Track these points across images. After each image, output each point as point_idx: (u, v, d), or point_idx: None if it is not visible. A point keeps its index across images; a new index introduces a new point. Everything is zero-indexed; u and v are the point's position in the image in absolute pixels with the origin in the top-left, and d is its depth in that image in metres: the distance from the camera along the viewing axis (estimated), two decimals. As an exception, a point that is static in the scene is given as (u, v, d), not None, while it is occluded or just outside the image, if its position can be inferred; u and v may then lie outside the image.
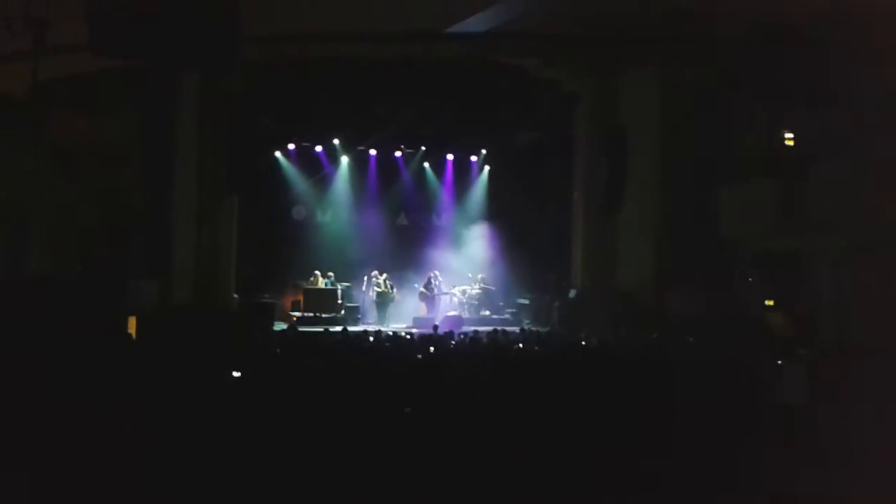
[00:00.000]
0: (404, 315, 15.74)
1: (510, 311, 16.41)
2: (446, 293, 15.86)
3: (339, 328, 11.16)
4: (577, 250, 14.68)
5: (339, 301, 15.58)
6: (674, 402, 5.66)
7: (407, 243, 17.09)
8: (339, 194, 17.37)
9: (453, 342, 9.44)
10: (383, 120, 15.13)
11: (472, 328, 12.47)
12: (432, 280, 15.78)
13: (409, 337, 10.19)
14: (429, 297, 15.77)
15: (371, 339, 9.62)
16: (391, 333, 10.43)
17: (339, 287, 15.86)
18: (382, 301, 15.71)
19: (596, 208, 14.14)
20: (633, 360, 7.65)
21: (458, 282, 16.36)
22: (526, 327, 13.28)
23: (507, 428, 5.17)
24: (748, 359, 7.17)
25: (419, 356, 7.83)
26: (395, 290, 15.79)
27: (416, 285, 16.10)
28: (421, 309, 15.74)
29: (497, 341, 9.48)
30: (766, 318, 11.49)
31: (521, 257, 16.11)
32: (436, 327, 11.65)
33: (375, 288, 15.71)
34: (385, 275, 15.80)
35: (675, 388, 5.98)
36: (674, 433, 5.05)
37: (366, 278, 15.92)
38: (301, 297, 15.51)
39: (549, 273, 15.89)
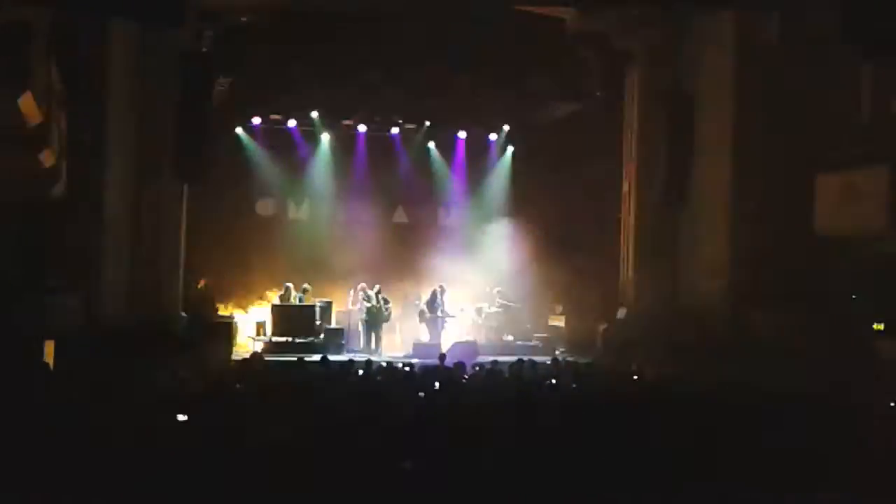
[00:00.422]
0: (402, 340, 16.25)
1: (540, 335, 16.73)
2: (453, 315, 16.22)
3: (316, 357, 11.31)
4: (627, 256, 14.95)
5: (318, 322, 15.83)
6: (761, 457, 5.55)
7: (405, 247, 17.44)
8: (317, 183, 17.73)
9: (465, 377, 9.62)
10: (375, 87, 15.48)
11: (490, 358, 12.56)
12: (438, 295, 16.01)
13: (407, 369, 10.32)
14: (433, 317, 16.02)
15: (359, 371, 9.77)
16: (384, 365, 10.62)
17: (318, 304, 16.07)
18: (373, 322, 15.92)
19: (653, 201, 14.37)
20: (705, 401, 7.59)
21: (471, 298, 16.82)
22: (561, 357, 13.38)
23: (535, 495, 5.10)
24: (854, 400, 7.30)
25: (420, 395, 7.90)
26: (389, 307, 16.05)
27: (416, 302, 16.37)
28: (423, 333, 16.09)
29: (522, 376, 9.54)
30: (877, 347, 11.49)
31: (555, 266, 16.36)
32: (442, 357, 11.74)
33: (364, 304, 15.95)
34: (377, 288, 16.06)
35: (762, 440, 5.89)
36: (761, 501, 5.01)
37: (352, 292, 16.29)
38: (269, 316, 15.87)
39: (590, 286, 16.26)
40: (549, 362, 11.88)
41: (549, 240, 16.88)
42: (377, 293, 15.93)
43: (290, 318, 15.61)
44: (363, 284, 15.99)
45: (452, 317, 16.13)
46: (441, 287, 16.03)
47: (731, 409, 6.84)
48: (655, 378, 9.83)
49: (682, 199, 13.99)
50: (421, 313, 16.06)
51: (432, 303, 15.94)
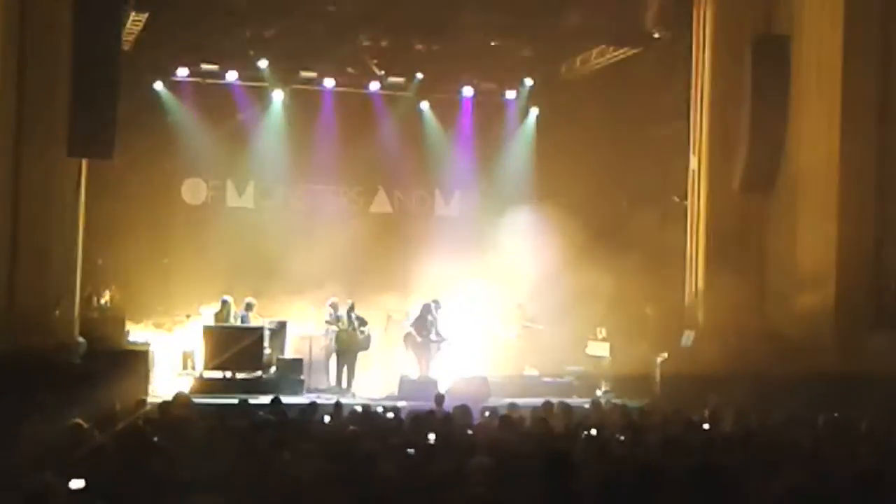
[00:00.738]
0: (383, 375, 16.16)
1: (575, 369, 16.79)
2: (447, 340, 16.31)
3: (266, 399, 11.61)
4: (696, 261, 15.19)
5: (267, 350, 16.06)
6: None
7: (389, 247, 17.66)
8: (267, 158, 18.02)
9: (471, 427, 9.73)
10: (349, 24, 15.78)
11: (507, 400, 12.70)
12: (431, 312, 16.16)
13: (391, 416, 10.52)
14: (425, 341, 16.13)
15: (324, 418, 10.09)
16: (359, 409, 10.89)
17: (267, 325, 16.37)
18: (345, 350, 16.06)
19: (732, 186, 14.63)
20: (811, 461, 7.76)
21: (479, 317, 17.04)
22: (604, 399, 13.61)
23: None
24: None
25: (409, 452, 8.07)
26: (366, 330, 16.18)
27: (404, 322, 16.50)
28: (412, 364, 16.13)
29: (551, 426, 9.67)
30: None
31: (597, 273, 16.42)
32: (440, 398, 12.00)
33: (332, 328, 16.15)
34: (350, 304, 16.20)
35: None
36: None
37: (316, 309, 16.62)
38: (201, 342, 15.96)
39: (645, 302, 16.45)
40: (587, 406, 12.06)
41: (587, 236, 17.12)
42: (350, 311, 16.05)
43: (229, 345, 15.69)
44: (333, 300, 16.10)
45: (447, 341, 16.24)
46: (435, 302, 16.21)
47: (851, 473, 6.94)
48: (736, 428, 10.06)
49: (770, 184, 14.26)
50: (407, 337, 16.20)
51: (423, 323, 16.05)
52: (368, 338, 16.24)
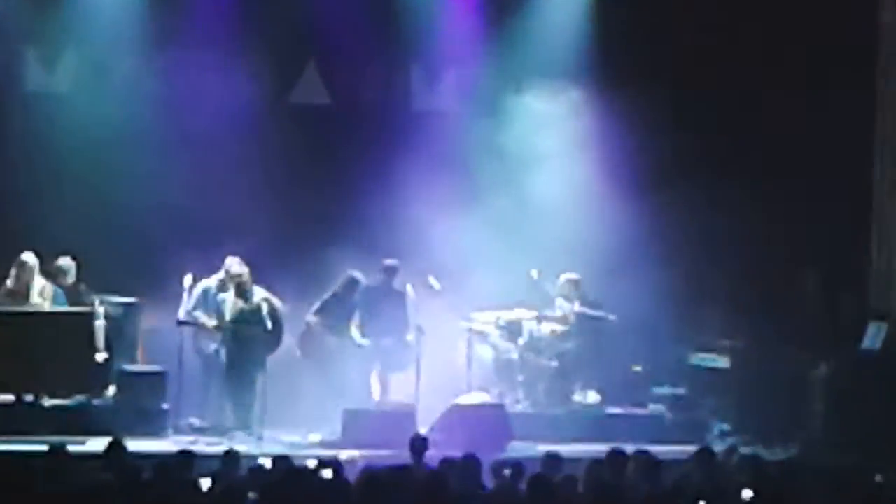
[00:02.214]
0: (317, 400, 16.29)
1: (664, 392, 17.22)
2: (420, 334, 16.45)
3: (99, 443, 11.86)
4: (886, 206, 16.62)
5: (102, 355, 15.91)
6: None
7: (325, 166, 17.96)
8: (98, 10, 17.47)
9: (478, 499, 10.30)
10: None
11: (539, 447, 13.56)
12: (389, 286, 16.77)
13: (326, 477, 10.71)
14: (376, 343, 16.60)
15: (200, 483, 10.19)
16: (267, 465, 11.20)
17: (100, 305, 16.15)
18: (240, 356, 16.08)
19: None
20: None
21: (486, 294, 17.22)
22: (720, 445, 14.09)
23: None
24: None
25: None
26: (278, 316, 16.23)
27: (351, 316, 16.83)
28: (365, 383, 16.66)
29: (624, 491, 10.11)
30: None
31: (707, 215, 17.01)
32: (419, 443, 12.18)
33: (204, 317, 16.30)
34: (244, 272, 16.20)
35: None
36: None
37: (189, 283, 16.29)
38: None
39: (794, 269, 17.16)
40: (689, 458, 12.15)
41: (689, 148, 17.47)
42: (241, 286, 15.93)
43: (26, 345, 15.52)
44: (232, 263, 16.04)
45: (420, 336, 16.24)
46: (388, 269, 16.62)
47: None
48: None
49: None
50: (315, 331, 16.37)
51: (370, 306, 16.43)
52: (280, 332, 16.08)
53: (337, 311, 16.41)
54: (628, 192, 17.65)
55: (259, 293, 16.19)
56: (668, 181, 17.78)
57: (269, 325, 15.98)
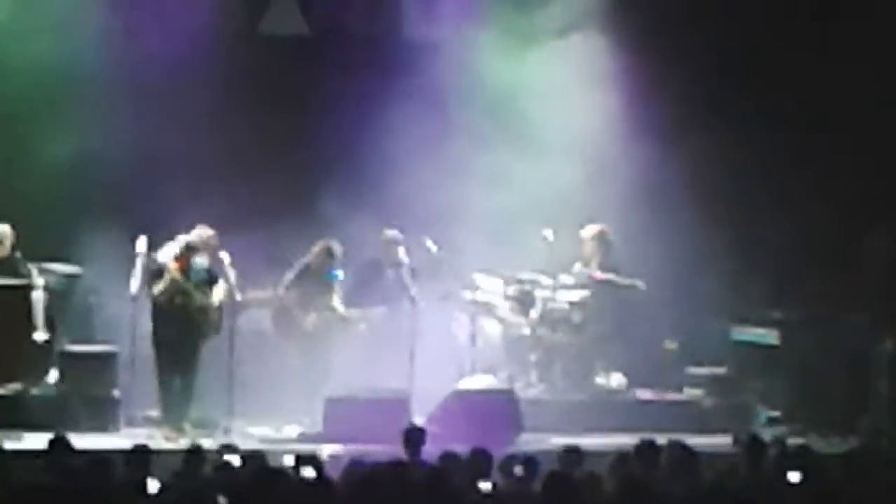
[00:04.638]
0: (293, 386, 15.97)
1: (702, 373, 16.92)
2: (413, 301, 16.30)
3: (37, 439, 12.15)
4: None
5: (41, 335, 15.59)
6: None
7: (298, 108, 17.72)
8: None
9: (489, 489, 10.25)
10: None
11: (555, 438, 13.52)
12: (399, 254, 16.38)
13: (308, 476, 10.45)
14: (392, 320, 16.31)
15: (154, 488, 10.03)
16: (235, 462, 10.91)
17: (37, 274, 15.80)
18: (194, 331, 15.54)
19: None
20: None
21: (500, 264, 17.12)
22: (768, 434, 13.69)
23: None
24: None
25: None
26: (219, 289, 15.91)
27: (335, 273, 16.33)
28: (348, 364, 16.36)
29: (654, 492, 9.77)
30: None
31: (749, 188, 17.41)
32: (415, 435, 11.81)
33: (155, 284, 15.69)
34: (206, 235, 15.76)
35: None
36: None
37: (143, 248, 15.62)
38: None
39: (863, 238, 17.23)
40: (731, 448, 12.88)
41: (727, 98, 17.37)
42: (186, 251, 15.36)
43: None
44: (199, 234, 15.46)
45: (414, 305, 16.01)
46: (392, 238, 16.33)
47: None
48: None
49: None
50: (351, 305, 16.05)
51: (376, 272, 16.23)
52: (222, 308, 15.84)
53: (313, 283, 16.07)
54: (656, 135, 17.36)
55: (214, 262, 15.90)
56: (701, 124, 17.52)
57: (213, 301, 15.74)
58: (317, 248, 16.07)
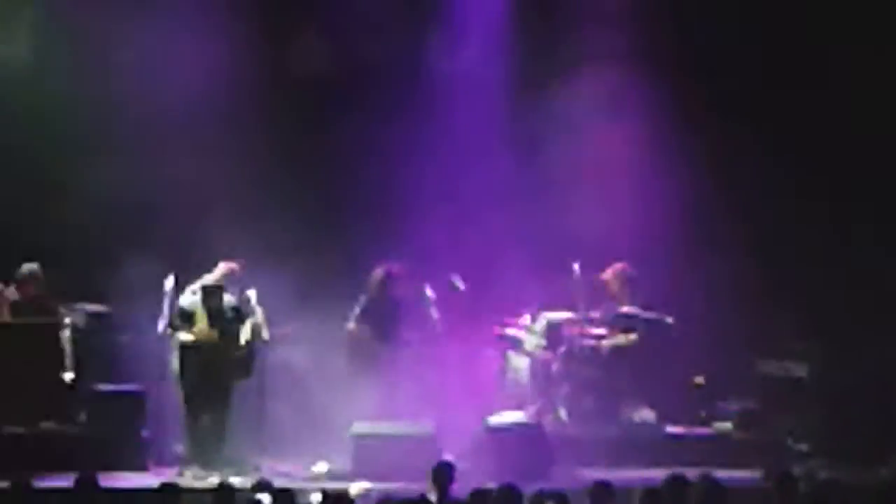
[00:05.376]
0: (319, 425, 15.98)
1: (734, 404, 16.79)
2: (435, 334, 16.52)
3: (64, 480, 11.77)
4: None
5: (69, 374, 15.66)
6: None
7: (333, 162, 17.53)
8: None
9: None
10: None
11: (586, 471, 13.86)
12: (426, 292, 16.48)
13: None
14: (388, 346, 16.45)
15: None
16: (266, 502, 10.65)
17: (70, 314, 15.98)
18: (207, 374, 15.47)
19: None
20: None
21: (528, 300, 17.03)
22: (800, 470, 13.40)
23: None
24: None
25: None
26: (256, 320, 15.69)
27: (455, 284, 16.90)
28: (371, 399, 16.15)
29: None
30: None
31: (776, 213, 17.28)
32: (444, 471, 11.66)
33: (179, 331, 15.68)
34: (213, 282, 15.80)
35: None
36: None
37: (171, 286, 15.60)
38: None
39: None
40: (762, 482, 13.04)
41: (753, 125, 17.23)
42: (209, 291, 15.45)
43: None
44: (232, 268, 15.49)
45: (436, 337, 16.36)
46: (453, 283, 16.67)
47: None
48: None
49: None
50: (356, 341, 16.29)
51: (377, 307, 16.21)
52: (252, 349, 15.81)
53: (379, 314, 16.19)
54: (684, 168, 17.18)
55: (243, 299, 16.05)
56: (731, 156, 17.41)
57: (241, 347, 15.63)
58: (373, 281, 16.24)
